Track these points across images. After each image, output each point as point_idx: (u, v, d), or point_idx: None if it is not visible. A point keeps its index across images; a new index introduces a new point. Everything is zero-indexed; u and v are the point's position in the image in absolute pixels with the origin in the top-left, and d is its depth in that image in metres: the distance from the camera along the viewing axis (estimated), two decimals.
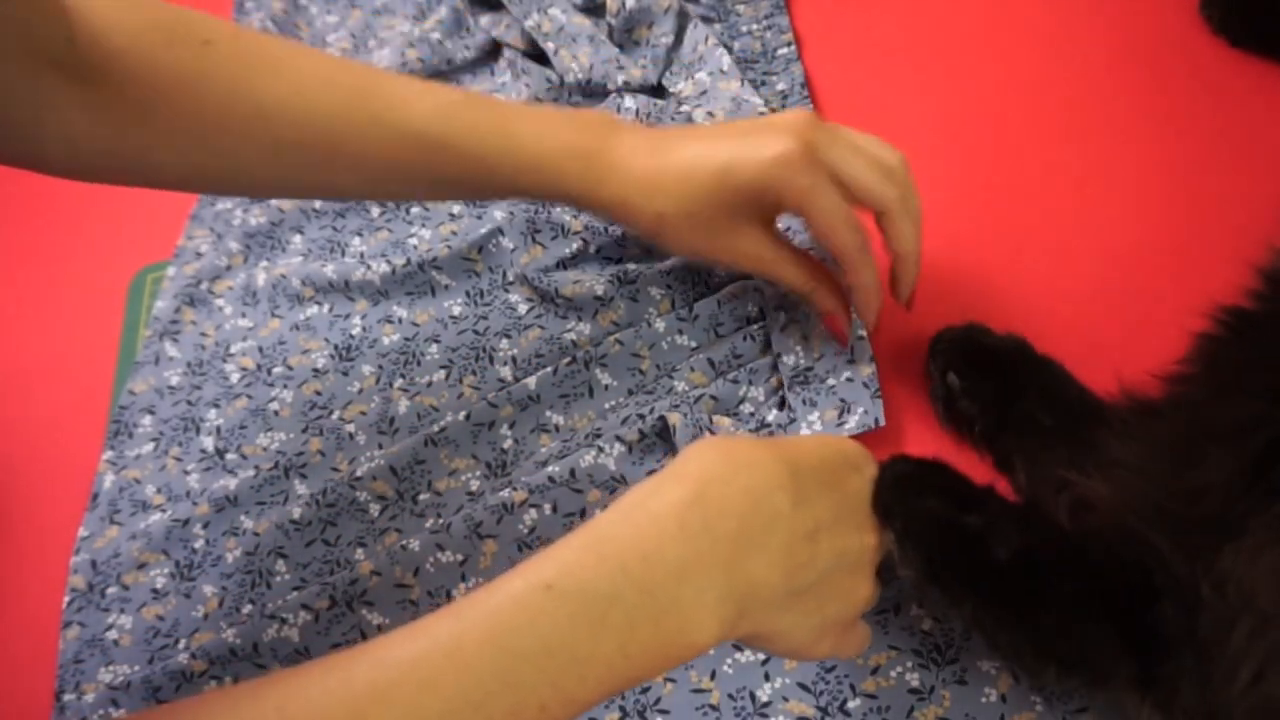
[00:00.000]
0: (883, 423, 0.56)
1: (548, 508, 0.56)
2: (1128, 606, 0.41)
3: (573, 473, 0.56)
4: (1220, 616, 0.38)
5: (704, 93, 0.74)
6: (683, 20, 0.78)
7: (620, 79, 0.75)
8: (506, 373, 0.63)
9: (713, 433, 0.57)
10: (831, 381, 0.58)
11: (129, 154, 0.50)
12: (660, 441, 0.58)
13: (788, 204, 0.52)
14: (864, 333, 0.59)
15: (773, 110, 0.72)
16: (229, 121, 0.51)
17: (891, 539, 0.43)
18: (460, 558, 0.56)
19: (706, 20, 0.79)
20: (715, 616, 0.37)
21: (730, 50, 0.76)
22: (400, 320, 0.68)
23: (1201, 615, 0.39)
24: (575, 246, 0.67)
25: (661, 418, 0.57)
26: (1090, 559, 0.43)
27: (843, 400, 0.57)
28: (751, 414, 0.59)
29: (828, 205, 0.51)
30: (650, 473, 0.57)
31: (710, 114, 0.71)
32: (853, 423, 0.56)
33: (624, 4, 0.78)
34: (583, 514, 0.57)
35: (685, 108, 0.73)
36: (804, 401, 0.58)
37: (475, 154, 0.53)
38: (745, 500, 0.38)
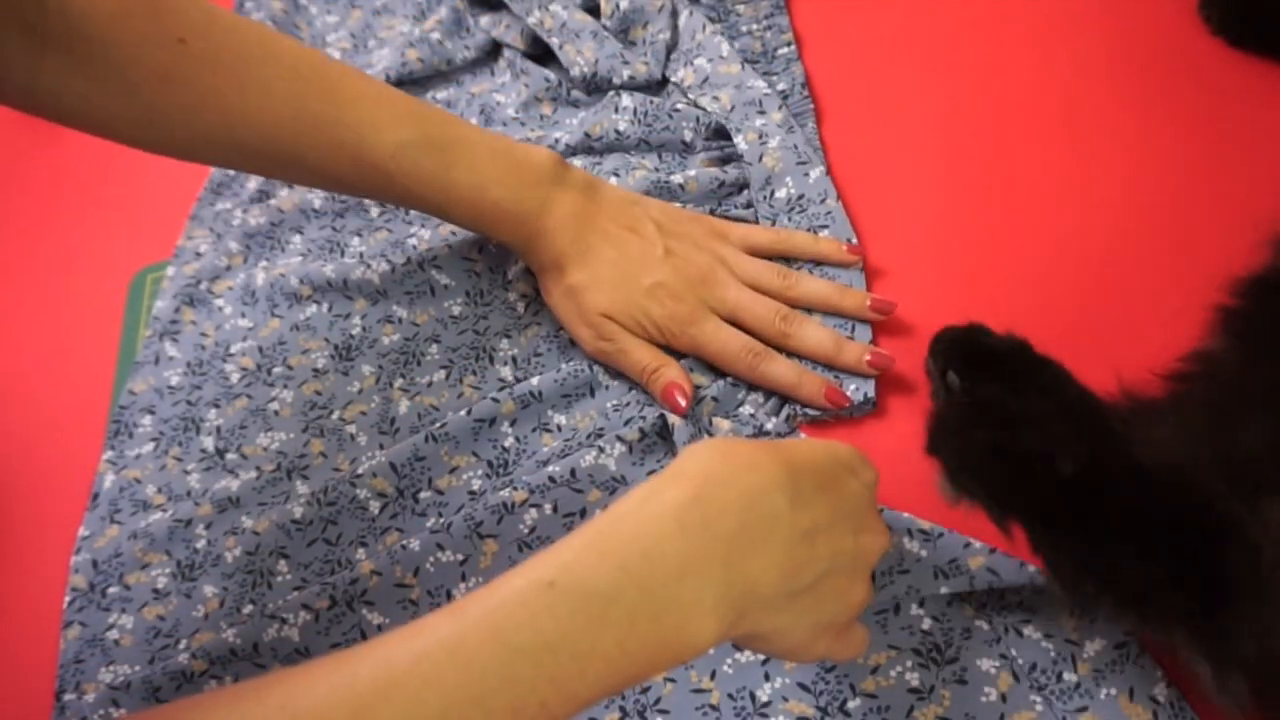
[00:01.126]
0: (871, 396, 0.57)
1: (548, 507, 0.56)
2: (1194, 547, 0.40)
3: (573, 473, 0.56)
4: (1271, 566, 0.37)
5: (705, 80, 0.74)
6: (675, 15, 0.79)
7: (625, 74, 0.75)
8: (507, 372, 0.63)
9: (711, 434, 0.58)
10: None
11: (89, 114, 0.54)
12: (661, 442, 0.58)
13: (663, 344, 0.61)
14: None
15: (781, 94, 0.72)
16: (195, 121, 0.55)
17: (943, 479, 0.42)
18: (460, 557, 0.56)
19: (708, 20, 0.79)
20: (714, 615, 0.37)
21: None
22: (400, 320, 0.68)
23: (1263, 571, 0.38)
24: None
25: (661, 416, 0.57)
26: (1160, 492, 0.41)
27: (837, 376, 0.58)
28: (751, 415, 0.59)
29: (713, 358, 0.60)
30: (651, 473, 0.57)
31: (715, 98, 0.71)
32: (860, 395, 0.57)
33: (618, 5, 0.78)
34: (583, 514, 0.57)
35: (690, 96, 0.73)
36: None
37: (420, 196, 0.59)
38: (744, 500, 0.38)
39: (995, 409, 0.43)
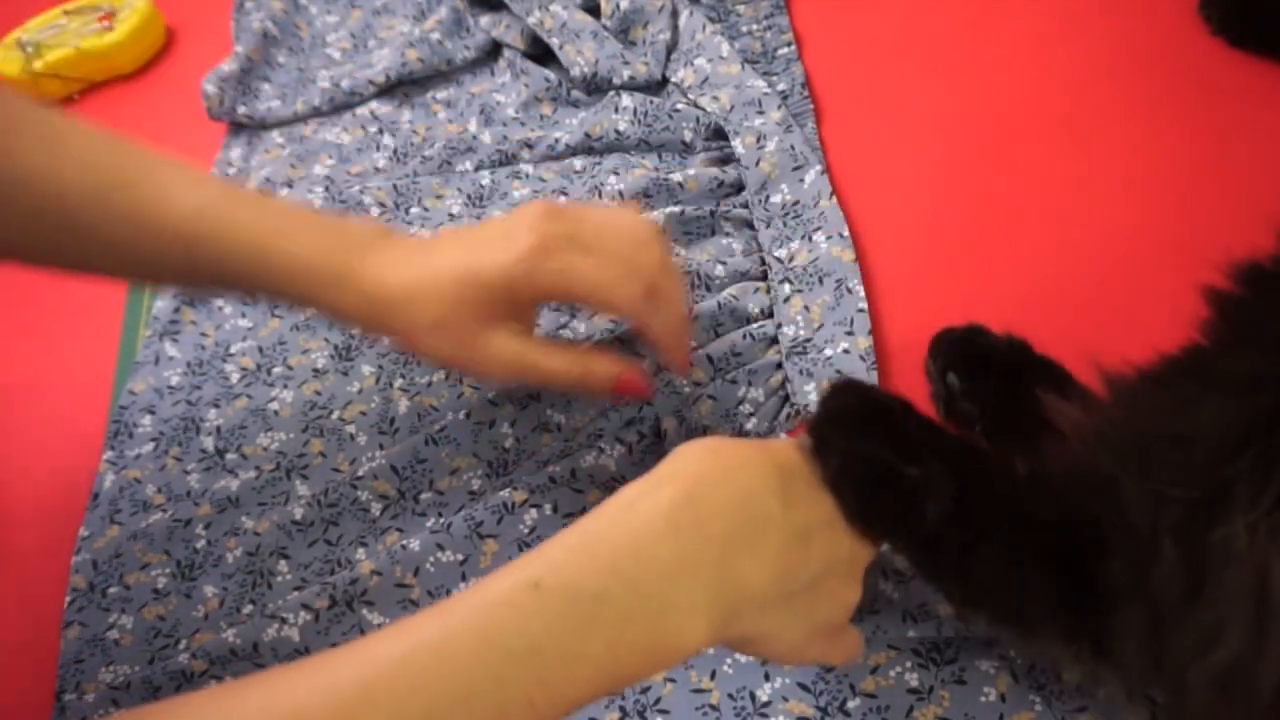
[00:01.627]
0: None
1: (548, 507, 0.56)
2: (1071, 557, 0.40)
3: (573, 473, 0.56)
4: (1200, 582, 0.37)
5: (705, 80, 0.74)
6: (675, 15, 0.79)
7: (626, 74, 0.75)
8: None
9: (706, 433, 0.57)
10: (829, 353, 0.58)
11: None
12: (660, 442, 0.58)
13: (546, 294, 0.51)
14: (864, 306, 0.59)
15: (781, 94, 0.72)
16: None
17: (823, 472, 0.41)
18: (460, 557, 0.56)
19: (708, 20, 0.79)
20: (705, 618, 0.36)
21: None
22: None
23: (1155, 571, 0.37)
24: None
25: (658, 417, 0.57)
26: (1035, 507, 0.41)
27: (838, 371, 0.58)
28: (750, 414, 0.59)
29: (587, 277, 0.49)
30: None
31: (715, 98, 0.71)
32: None
33: (618, 5, 0.78)
34: (583, 514, 0.56)
35: (690, 96, 0.73)
36: (801, 372, 0.58)
37: (230, 257, 0.51)
38: (737, 501, 0.38)
39: (887, 422, 0.43)
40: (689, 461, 0.39)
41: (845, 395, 0.44)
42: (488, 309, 0.50)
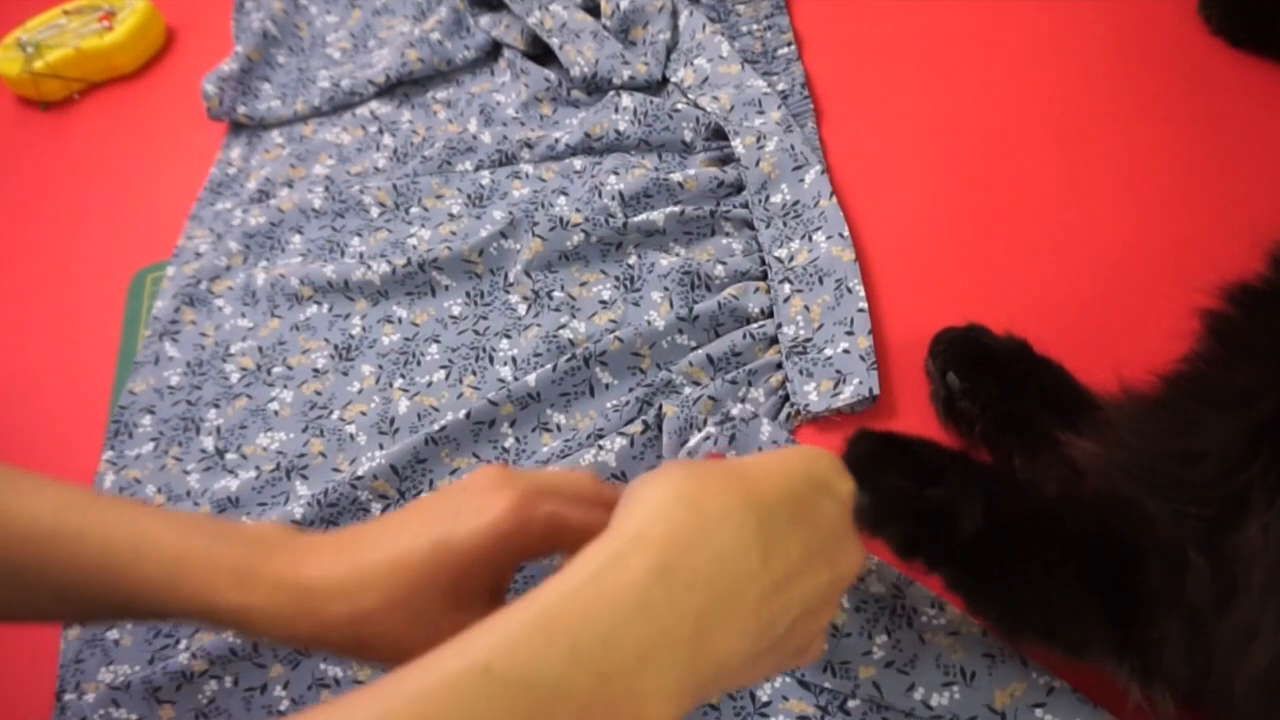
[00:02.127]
0: (877, 392, 0.57)
1: None
2: (1107, 572, 0.40)
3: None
4: (1231, 588, 0.38)
5: (705, 80, 0.74)
6: (675, 15, 0.79)
7: (625, 74, 0.75)
8: (506, 373, 0.63)
9: (706, 431, 0.57)
10: (829, 352, 0.58)
11: None
12: (661, 435, 0.58)
13: (536, 546, 0.43)
14: (864, 306, 0.59)
15: (781, 94, 0.72)
16: None
17: (866, 510, 0.42)
18: None
19: (708, 20, 0.79)
20: (675, 701, 0.33)
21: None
22: (400, 320, 0.68)
23: (1187, 581, 0.38)
24: (577, 239, 0.67)
25: (660, 406, 0.57)
26: (1068, 525, 0.42)
27: (839, 371, 0.58)
28: (753, 414, 0.59)
29: (573, 516, 0.43)
30: (650, 469, 0.57)
31: (715, 98, 0.72)
32: (847, 393, 0.57)
33: (618, 5, 0.78)
34: None
35: (690, 96, 0.73)
36: (801, 372, 0.58)
37: (98, 553, 0.42)
38: (714, 568, 0.34)
39: (905, 455, 0.44)
40: (659, 518, 0.35)
41: (861, 443, 0.44)
42: (465, 584, 0.42)
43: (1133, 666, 0.41)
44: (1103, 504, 0.42)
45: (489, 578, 0.43)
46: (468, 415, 0.60)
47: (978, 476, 0.44)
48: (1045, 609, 0.42)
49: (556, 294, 0.66)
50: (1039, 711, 0.45)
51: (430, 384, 0.64)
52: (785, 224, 0.65)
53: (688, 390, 0.60)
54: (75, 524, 0.42)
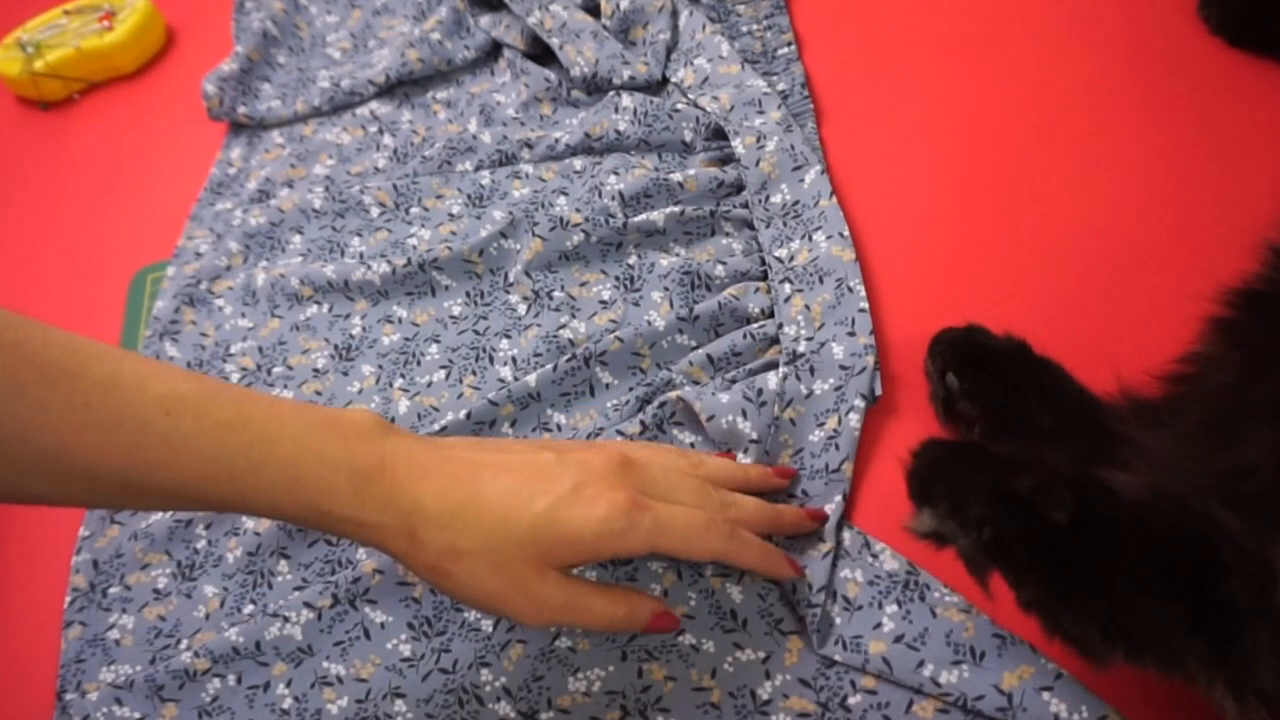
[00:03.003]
0: (879, 392, 0.57)
1: None
2: (1195, 580, 0.39)
3: None
4: None
5: (705, 80, 0.74)
6: (675, 15, 0.79)
7: (625, 74, 0.75)
8: (506, 373, 0.64)
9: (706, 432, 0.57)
10: (831, 351, 0.58)
11: None
12: (661, 435, 0.58)
13: (633, 552, 0.46)
14: (865, 305, 0.59)
15: (781, 94, 0.72)
16: None
17: (936, 522, 0.40)
18: None
19: (708, 20, 0.79)
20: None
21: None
22: (400, 320, 0.68)
23: (1275, 590, 0.37)
24: (577, 239, 0.67)
25: (663, 403, 0.57)
26: (1153, 528, 0.40)
27: (843, 369, 0.58)
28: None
29: (676, 530, 0.46)
30: None
31: (715, 98, 0.72)
32: (850, 392, 0.57)
33: (618, 5, 0.78)
34: None
35: (690, 96, 0.73)
36: (805, 373, 0.58)
37: (201, 470, 0.42)
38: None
39: (982, 456, 0.42)
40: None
41: (931, 450, 0.43)
42: (554, 560, 0.45)
43: (1227, 681, 0.40)
44: (1178, 513, 0.41)
45: (579, 564, 0.47)
46: (468, 415, 0.60)
47: (1063, 471, 0.41)
48: (1139, 617, 0.40)
49: (556, 294, 0.66)
50: (1046, 695, 0.45)
51: (430, 384, 0.64)
52: (785, 224, 0.65)
53: (688, 390, 0.60)
54: (188, 427, 0.42)
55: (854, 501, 0.54)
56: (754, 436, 0.55)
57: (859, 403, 0.56)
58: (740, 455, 0.55)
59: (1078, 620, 0.40)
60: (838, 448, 0.55)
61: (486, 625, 0.54)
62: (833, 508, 0.53)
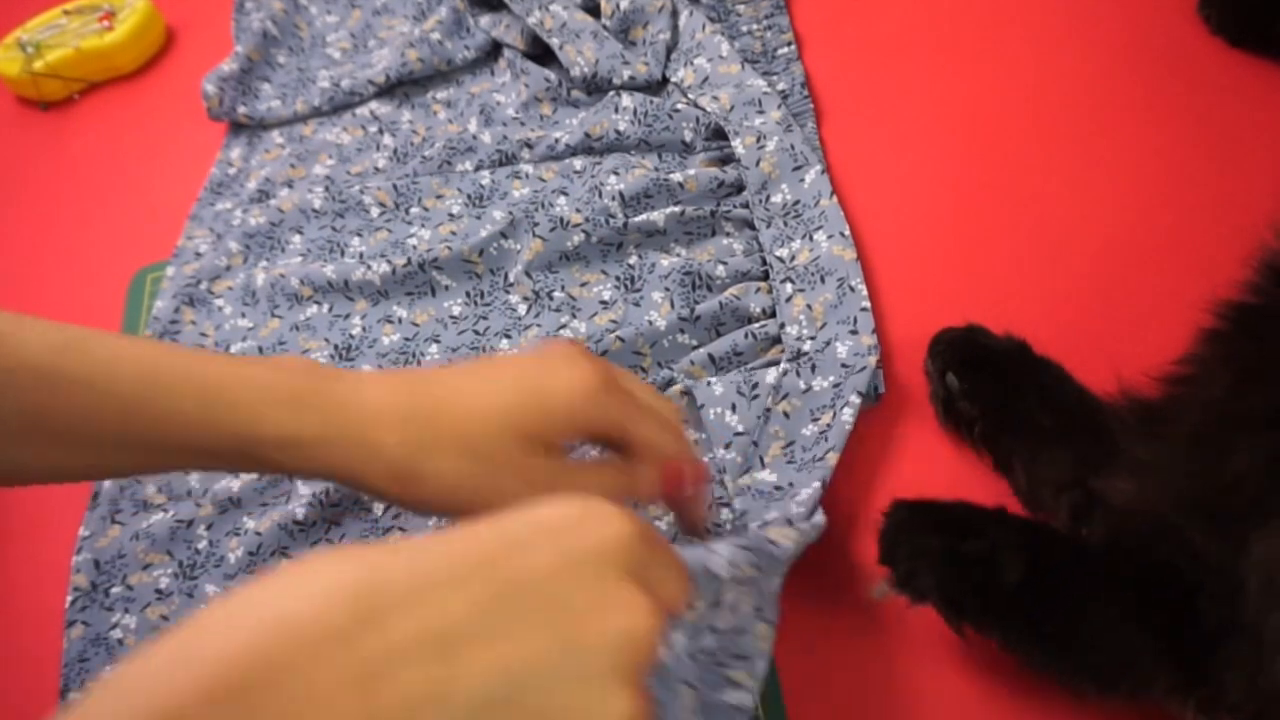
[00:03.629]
0: (882, 391, 0.57)
1: None
2: (1160, 608, 0.41)
3: None
4: (1260, 604, 0.38)
5: (705, 80, 0.74)
6: (675, 15, 0.79)
7: (625, 74, 0.75)
8: None
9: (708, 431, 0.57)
10: (833, 350, 0.58)
11: None
12: None
13: (604, 427, 0.43)
14: (867, 304, 0.59)
15: (781, 94, 0.72)
16: None
17: (893, 588, 0.44)
18: None
19: (708, 20, 0.79)
20: None
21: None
22: (400, 320, 0.68)
23: (1247, 603, 0.39)
24: (577, 239, 0.67)
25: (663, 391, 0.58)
26: (1112, 566, 0.43)
27: (844, 368, 0.58)
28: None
29: (647, 435, 0.43)
30: None
31: (715, 98, 0.72)
32: (848, 389, 0.57)
33: (618, 5, 0.78)
34: None
35: (690, 96, 0.73)
36: (806, 370, 0.58)
37: (108, 390, 0.40)
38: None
39: (941, 518, 0.45)
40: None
41: (896, 513, 0.46)
42: (544, 432, 0.41)
43: (1199, 702, 0.41)
44: (1140, 538, 0.43)
45: (561, 434, 0.42)
46: None
47: (1017, 528, 0.44)
48: (1104, 653, 0.42)
49: (557, 294, 0.66)
50: None
51: None
52: (786, 224, 0.65)
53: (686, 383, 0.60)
54: (81, 364, 0.39)
55: (834, 492, 0.53)
56: (740, 429, 0.55)
57: (855, 399, 0.56)
58: (721, 450, 0.55)
59: (1050, 661, 0.43)
60: (827, 439, 0.55)
61: (378, 509, 0.57)
62: (809, 493, 0.51)
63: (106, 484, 0.64)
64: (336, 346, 0.67)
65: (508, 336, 0.65)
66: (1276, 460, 0.39)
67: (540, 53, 0.81)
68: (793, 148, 0.68)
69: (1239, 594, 0.39)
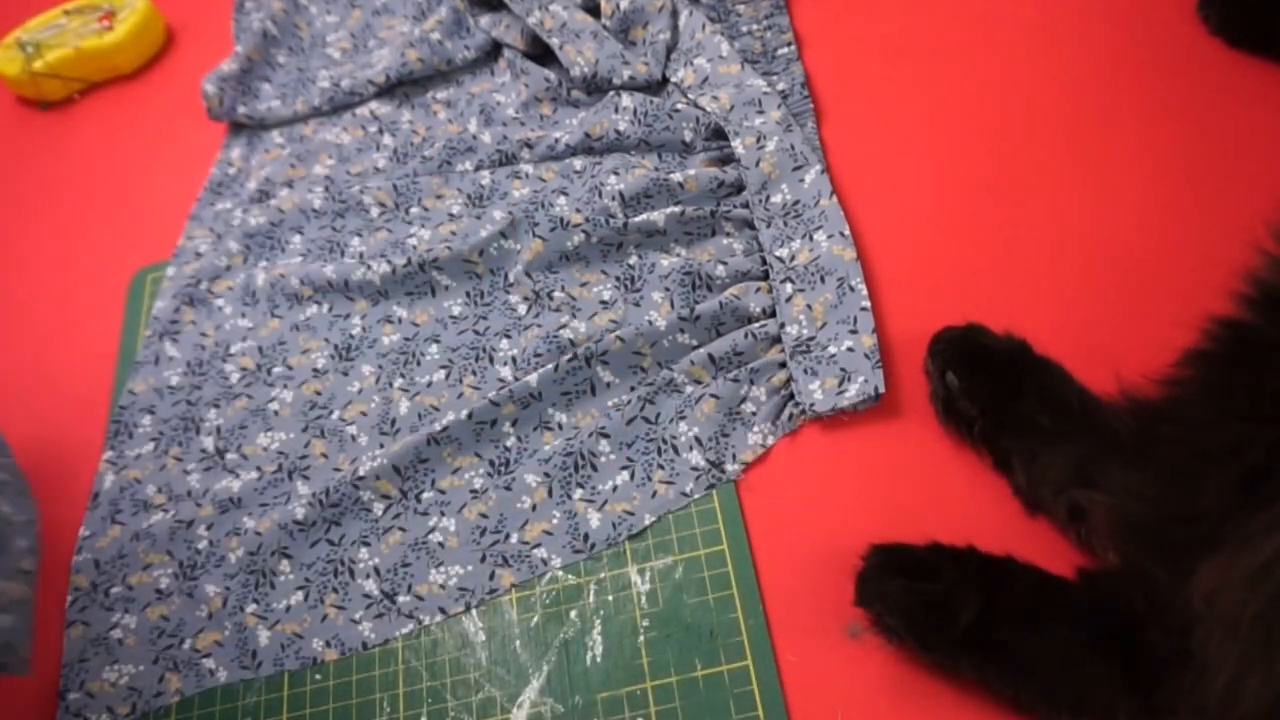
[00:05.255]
0: (883, 390, 0.57)
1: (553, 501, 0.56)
2: (1114, 639, 0.43)
3: (576, 465, 0.56)
4: (1204, 632, 0.39)
5: (705, 80, 0.74)
6: (675, 15, 0.79)
7: (625, 74, 0.75)
8: (506, 373, 0.64)
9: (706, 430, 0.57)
10: (833, 350, 0.59)
11: None
12: (655, 426, 0.58)
13: None
14: (867, 304, 0.59)
15: (781, 94, 0.72)
16: None
17: (867, 628, 0.47)
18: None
19: (708, 20, 0.79)
20: None
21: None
22: (400, 320, 0.68)
23: (1196, 634, 0.40)
24: (577, 239, 0.67)
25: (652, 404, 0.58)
26: (1075, 603, 0.45)
27: (843, 369, 0.58)
28: (753, 414, 0.59)
29: None
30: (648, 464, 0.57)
31: (715, 98, 0.72)
32: (853, 391, 0.57)
33: (618, 5, 0.78)
34: (583, 511, 0.57)
35: (690, 96, 0.73)
36: (805, 370, 0.58)
37: None
38: None
39: (909, 561, 0.48)
40: None
41: (872, 558, 0.49)
42: None
43: None
44: (1107, 578, 0.46)
45: None
46: (469, 415, 0.60)
47: (978, 569, 0.47)
48: (1063, 685, 0.44)
49: (557, 294, 0.66)
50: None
51: (430, 384, 0.64)
52: (786, 224, 0.65)
53: (689, 389, 0.60)
54: None
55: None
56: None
57: (861, 403, 0.56)
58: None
59: (1013, 693, 0.45)
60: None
61: (378, 509, 0.59)
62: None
63: (107, 484, 0.64)
64: (336, 346, 0.67)
65: (508, 336, 0.65)
66: (1234, 493, 0.41)
67: (540, 53, 0.81)
68: (793, 148, 0.68)
69: (1190, 627, 0.40)
